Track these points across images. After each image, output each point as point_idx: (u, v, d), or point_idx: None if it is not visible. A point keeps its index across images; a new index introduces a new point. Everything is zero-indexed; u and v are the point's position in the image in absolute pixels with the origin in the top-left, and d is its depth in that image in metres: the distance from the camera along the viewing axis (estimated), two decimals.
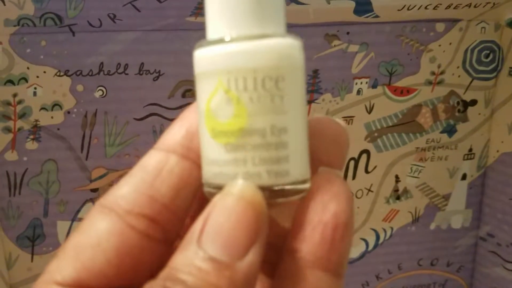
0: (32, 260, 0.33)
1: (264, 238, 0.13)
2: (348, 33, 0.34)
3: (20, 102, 0.31)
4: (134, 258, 0.13)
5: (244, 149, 0.13)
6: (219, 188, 0.13)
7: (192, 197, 0.14)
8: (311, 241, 0.13)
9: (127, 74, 0.31)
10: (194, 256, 0.12)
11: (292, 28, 0.32)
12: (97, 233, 0.13)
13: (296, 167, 0.13)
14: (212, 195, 0.13)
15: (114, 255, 0.13)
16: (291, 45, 0.13)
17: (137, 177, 0.14)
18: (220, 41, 0.13)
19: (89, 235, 0.13)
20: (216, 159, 0.13)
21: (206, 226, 0.12)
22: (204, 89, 0.13)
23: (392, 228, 0.39)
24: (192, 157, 0.14)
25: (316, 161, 0.14)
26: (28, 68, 0.30)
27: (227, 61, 0.13)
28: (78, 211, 0.33)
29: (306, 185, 0.14)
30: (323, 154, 0.14)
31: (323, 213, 0.13)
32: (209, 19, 0.14)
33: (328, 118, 0.15)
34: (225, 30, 0.13)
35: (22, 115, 0.31)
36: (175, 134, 0.14)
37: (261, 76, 0.13)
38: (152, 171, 0.14)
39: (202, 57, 0.14)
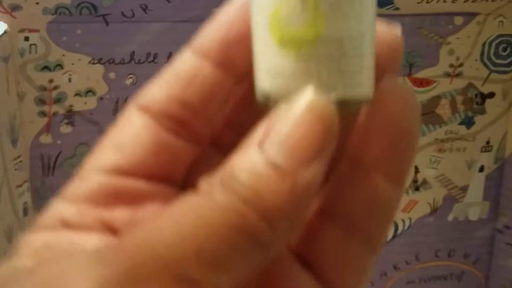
0: None
1: (330, 153, 0.12)
2: None
3: (55, 87, 0.32)
4: (169, 153, 0.14)
5: (319, 59, 0.12)
6: (284, 100, 0.12)
7: (223, 105, 0.14)
8: (373, 147, 0.13)
9: (156, 63, 0.33)
10: (254, 159, 0.12)
11: None
12: (134, 127, 0.13)
13: (368, 78, 0.13)
14: (272, 108, 0.12)
15: (152, 148, 0.13)
16: None
17: (169, 83, 0.14)
18: None
19: (126, 129, 0.13)
20: (283, 69, 0.12)
21: (270, 132, 0.12)
22: None
23: (410, 219, 0.40)
24: (227, 66, 0.14)
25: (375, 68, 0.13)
26: (63, 55, 0.32)
27: None
28: None
29: (372, 95, 0.13)
30: (380, 60, 0.13)
31: (387, 120, 0.13)
32: None
33: (382, 24, 0.14)
34: None
35: (57, 100, 0.32)
36: (212, 39, 0.14)
37: None
38: (184, 79, 0.14)
39: None
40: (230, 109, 0.15)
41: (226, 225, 0.11)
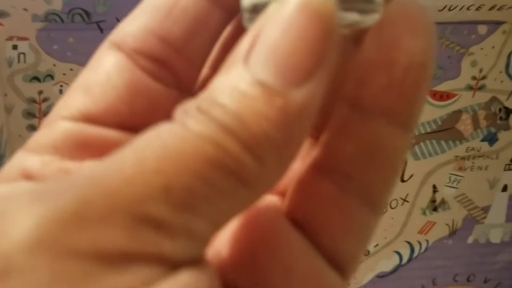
0: None
1: (331, 64, 0.10)
2: None
3: (45, 99, 0.31)
4: (146, 98, 0.12)
5: None
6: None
7: (209, 44, 0.12)
8: (375, 84, 0.11)
9: None
10: (238, 78, 0.10)
11: None
12: (106, 68, 0.12)
13: None
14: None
15: (125, 91, 0.12)
16: None
17: (146, 14, 0.12)
18: None
19: (98, 71, 0.12)
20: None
21: (256, 43, 0.10)
22: None
23: (427, 241, 0.38)
24: None
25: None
26: (54, 65, 0.30)
27: None
28: None
29: (379, 12, 0.10)
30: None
31: (393, 49, 0.11)
32: None
33: None
34: None
35: (47, 113, 0.30)
36: None
37: None
38: (162, 8, 0.12)
39: None
40: (222, 52, 0.13)
41: (200, 158, 0.09)
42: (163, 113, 0.12)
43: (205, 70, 0.13)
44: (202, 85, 0.13)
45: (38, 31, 0.29)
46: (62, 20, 0.29)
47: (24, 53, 0.29)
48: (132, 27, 0.12)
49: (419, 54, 0.10)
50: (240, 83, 0.09)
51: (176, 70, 0.12)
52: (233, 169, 0.09)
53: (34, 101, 0.30)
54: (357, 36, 0.11)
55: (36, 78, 0.30)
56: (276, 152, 0.10)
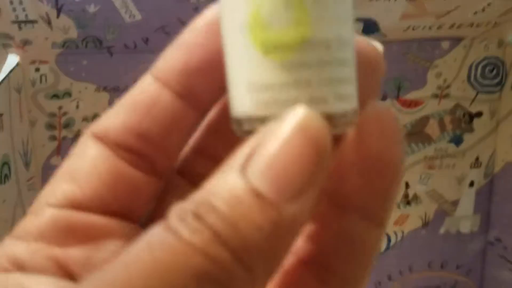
0: None
1: (322, 182, 0.10)
2: None
3: (64, 114, 0.34)
4: (128, 185, 0.12)
5: (308, 66, 0.11)
6: (269, 120, 0.11)
7: (184, 138, 0.13)
8: (350, 183, 0.12)
9: None
10: (235, 185, 0.10)
11: None
12: (91, 157, 0.12)
13: (356, 89, 0.11)
14: (254, 132, 0.11)
15: (109, 178, 0.12)
16: None
17: (126, 111, 0.12)
18: None
19: (83, 159, 0.12)
20: (268, 81, 0.11)
21: (255, 153, 0.10)
22: None
23: (403, 232, 0.42)
24: (188, 97, 0.12)
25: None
26: (71, 84, 0.34)
27: None
28: None
29: (354, 121, 0.11)
30: (362, 74, 0.12)
31: (367, 153, 0.11)
32: None
33: (362, 39, 0.12)
34: None
35: (66, 125, 0.35)
36: (172, 66, 0.13)
37: None
38: (143, 108, 0.12)
39: None
40: (200, 136, 0.14)
41: (190, 273, 0.09)
42: (143, 197, 0.13)
43: (186, 149, 0.14)
44: (182, 167, 0.14)
45: (57, 56, 0.33)
46: (77, 46, 0.33)
47: (45, 75, 0.33)
48: (114, 123, 0.12)
49: (390, 158, 0.11)
50: (236, 190, 0.10)
51: (153, 161, 0.13)
52: (222, 281, 0.09)
53: (54, 115, 0.34)
54: (335, 138, 0.11)
55: (56, 96, 0.34)
56: (265, 262, 0.10)
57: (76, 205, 0.12)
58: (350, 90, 0.11)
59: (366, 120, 0.11)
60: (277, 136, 0.10)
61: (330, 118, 0.11)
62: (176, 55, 0.13)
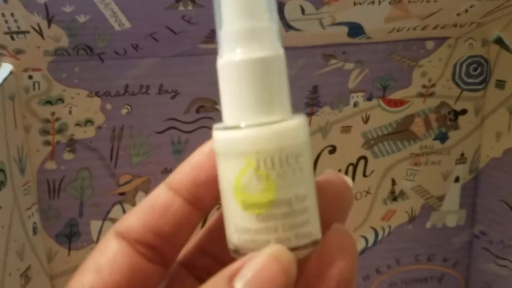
0: (69, 255, 0.38)
1: None
2: (344, 52, 0.38)
3: (57, 119, 0.35)
4: (141, 276, 0.16)
5: (275, 218, 0.15)
6: (251, 251, 0.15)
7: (189, 234, 0.17)
8: None
9: (148, 94, 0.36)
10: None
11: (292, 50, 0.36)
12: (113, 253, 0.16)
13: (315, 227, 0.16)
14: (241, 256, 0.15)
15: (128, 272, 0.16)
16: (303, 124, 0.16)
17: (145, 213, 0.16)
18: (236, 127, 0.15)
19: (107, 255, 0.16)
20: (247, 228, 0.15)
21: (241, 271, 0.14)
22: (231, 167, 0.15)
23: (390, 227, 0.43)
24: (195, 203, 0.16)
25: (323, 216, 0.16)
26: (64, 90, 0.35)
27: (256, 143, 0.15)
28: (109, 212, 0.38)
29: (319, 241, 0.16)
30: (329, 210, 0.16)
31: (330, 268, 0.15)
32: (225, 108, 0.16)
33: (335, 175, 0.17)
34: (242, 116, 0.15)
35: (60, 131, 0.36)
36: (183, 179, 0.16)
37: (285, 154, 0.15)
38: (158, 210, 0.16)
39: (226, 139, 0.15)
40: (203, 238, 0.18)
41: None
42: (153, 285, 0.16)
43: (190, 246, 0.18)
44: (186, 261, 0.18)
45: (49, 63, 0.34)
46: (69, 54, 0.34)
47: (38, 82, 0.34)
48: (135, 223, 0.16)
49: (348, 273, 0.15)
50: None
51: (163, 253, 0.16)
52: None
53: (48, 121, 0.35)
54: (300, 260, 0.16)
55: (49, 102, 0.35)
56: None
57: None
58: (309, 228, 0.15)
59: (329, 240, 0.15)
60: (258, 261, 0.14)
61: (293, 250, 0.15)
62: (186, 171, 0.17)
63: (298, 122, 0.15)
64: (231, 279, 0.14)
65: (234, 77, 0.15)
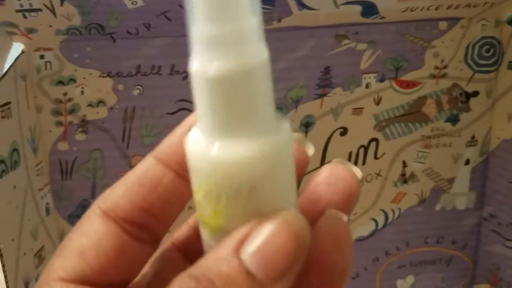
0: None
1: (301, 267, 0.13)
2: (356, 33, 0.37)
3: (69, 100, 0.35)
4: (129, 257, 0.15)
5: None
6: None
7: (180, 210, 0.16)
8: (307, 283, 0.14)
9: (160, 74, 0.36)
10: (228, 262, 0.12)
11: (304, 30, 0.36)
12: (98, 234, 0.14)
13: None
14: None
15: (114, 254, 0.14)
16: (271, 151, 0.13)
17: (133, 189, 0.15)
18: (205, 146, 0.13)
19: (91, 237, 0.14)
20: (204, 238, 0.15)
21: (248, 239, 0.12)
22: (192, 177, 0.14)
23: (400, 209, 0.43)
24: (185, 175, 0.15)
25: (327, 206, 0.15)
26: (76, 70, 0.35)
27: (208, 168, 0.13)
28: None
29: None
30: (335, 203, 0.15)
31: (322, 258, 0.14)
32: (199, 117, 0.14)
33: (344, 168, 0.15)
34: (212, 133, 0.13)
35: (72, 111, 0.36)
36: (173, 149, 0.15)
37: (235, 186, 0.13)
38: (147, 186, 0.15)
39: (189, 151, 0.14)
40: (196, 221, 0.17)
41: None
42: (142, 265, 0.15)
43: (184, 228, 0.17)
44: (179, 242, 0.17)
45: (60, 43, 0.34)
46: (81, 33, 0.33)
47: (50, 62, 0.34)
48: (122, 200, 0.14)
49: (341, 263, 0.14)
50: (230, 267, 0.12)
51: (152, 231, 0.15)
52: None
53: (60, 101, 0.35)
54: None
55: (61, 82, 0.35)
56: None
57: (84, 280, 0.14)
58: None
59: (322, 233, 0.14)
60: (267, 226, 0.13)
61: None
62: (175, 142, 0.15)
63: (263, 149, 0.13)
64: (237, 248, 0.12)
65: (206, 91, 0.13)
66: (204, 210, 0.14)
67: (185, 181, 0.15)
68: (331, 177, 0.15)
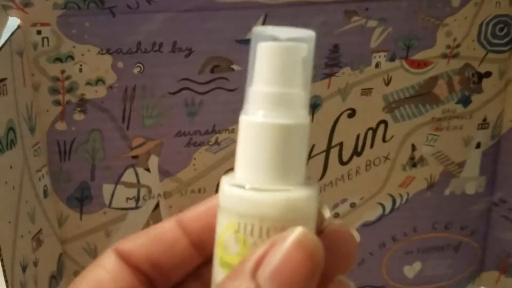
0: (80, 219, 0.37)
1: (316, 284, 0.13)
2: (366, 9, 0.36)
3: (67, 78, 0.34)
4: None
5: None
6: None
7: (185, 274, 0.17)
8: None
9: (161, 52, 0.34)
10: (247, 286, 0.13)
11: (312, 6, 0.34)
12: (116, 271, 0.16)
13: None
14: None
15: None
16: (300, 198, 0.15)
17: (151, 243, 0.17)
18: (241, 186, 0.15)
19: (109, 271, 0.16)
20: (219, 284, 0.15)
21: (263, 262, 0.13)
22: (222, 220, 0.16)
23: (408, 194, 0.42)
24: (200, 247, 0.17)
25: (326, 270, 0.15)
26: (74, 47, 0.33)
27: (242, 205, 0.15)
28: (121, 175, 0.36)
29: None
30: (334, 266, 0.15)
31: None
32: (238, 162, 0.16)
33: (342, 231, 0.16)
34: (248, 176, 0.16)
35: (70, 90, 0.34)
36: (195, 221, 0.17)
37: (266, 225, 0.15)
38: (164, 245, 0.17)
39: (225, 193, 0.16)
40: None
41: None
42: None
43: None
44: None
45: (58, 18, 0.32)
46: (79, 7, 0.32)
47: (47, 37, 0.33)
48: (138, 250, 0.16)
49: (349, 262, 0.15)
50: None
51: (157, 284, 0.17)
52: None
53: (57, 79, 0.34)
54: None
55: (59, 59, 0.33)
56: None
57: None
58: None
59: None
60: (281, 248, 0.13)
61: None
62: (200, 214, 0.17)
63: (294, 194, 0.15)
64: (254, 272, 0.13)
65: (249, 137, 0.16)
66: (228, 250, 0.15)
67: (198, 251, 0.17)
68: (330, 239, 0.16)
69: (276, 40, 0.16)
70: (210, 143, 0.37)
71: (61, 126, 0.35)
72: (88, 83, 0.34)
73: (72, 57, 0.33)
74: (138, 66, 0.34)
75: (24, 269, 0.30)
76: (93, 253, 0.37)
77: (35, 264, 0.32)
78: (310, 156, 0.39)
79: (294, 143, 0.16)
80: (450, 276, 0.45)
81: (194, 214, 0.17)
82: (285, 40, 0.16)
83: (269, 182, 0.15)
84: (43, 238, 0.33)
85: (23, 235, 0.30)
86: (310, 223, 0.15)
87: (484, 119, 0.41)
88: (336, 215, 0.41)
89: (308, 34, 0.16)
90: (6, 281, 0.27)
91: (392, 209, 0.42)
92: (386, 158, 0.40)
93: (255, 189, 0.15)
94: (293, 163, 0.16)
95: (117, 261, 0.16)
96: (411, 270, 0.45)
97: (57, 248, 0.36)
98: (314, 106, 0.38)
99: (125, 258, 0.16)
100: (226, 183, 0.16)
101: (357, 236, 0.16)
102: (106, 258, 0.17)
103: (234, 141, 0.37)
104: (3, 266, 0.26)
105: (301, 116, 0.16)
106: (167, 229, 0.17)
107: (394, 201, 0.42)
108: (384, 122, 0.39)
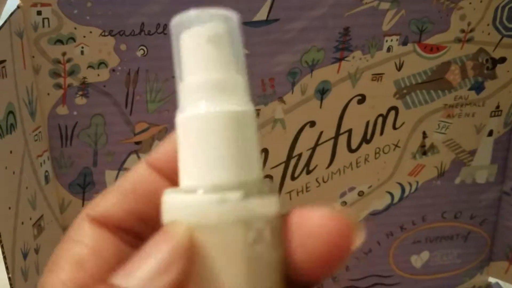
0: (83, 205, 0.36)
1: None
2: None
3: (69, 60, 0.33)
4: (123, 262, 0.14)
5: None
6: None
7: None
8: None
9: (165, 34, 0.33)
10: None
11: None
12: (95, 242, 0.14)
13: None
14: None
15: (114, 262, 0.14)
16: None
17: (126, 197, 0.15)
18: (193, 191, 0.14)
19: (88, 245, 0.14)
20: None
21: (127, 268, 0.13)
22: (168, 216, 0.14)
23: (417, 182, 0.41)
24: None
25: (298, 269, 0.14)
26: (75, 28, 0.32)
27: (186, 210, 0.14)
28: (124, 161, 0.36)
29: None
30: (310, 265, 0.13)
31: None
32: (185, 167, 0.14)
33: (318, 217, 0.13)
34: (202, 178, 0.14)
35: (71, 73, 0.33)
36: (169, 158, 0.14)
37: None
38: (142, 194, 0.15)
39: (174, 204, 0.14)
40: None
41: None
42: None
43: None
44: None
45: None
46: None
47: (48, 18, 0.31)
48: (115, 208, 0.14)
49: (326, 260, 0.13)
50: None
51: (144, 236, 0.14)
52: None
53: (58, 61, 0.33)
54: None
55: (60, 41, 0.32)
56: None
57: None
58: None
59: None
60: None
61: None
62: (168, 151, 0.15)
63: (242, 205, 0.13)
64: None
65: (194, 134, 0.14)
66: None
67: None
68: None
69: (197, 25, 0.14)
70: None
71: (62, 110, 0.34)
72: (90, 66, 0.33)
73: (73, 39, 0.32)
74: (142, 49, 0.33)
75: (25, 256, 0.29)
76: None
77: (36, 251, 0.31)
78: (317, 143, 0.38)
79: (247, 132, 0.14)
80: (459, 266, 0.44)
81: (163, 154, 0.15)
82: (206, 25, 0.14)
83: (227, 179, 0.13)
84: (44, 224, 0.33)
85: (23, 221, 0.29)
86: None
87: (497, 106, 0.40)
88: (344, 204, 0.40)
89: (228, 14, 0.15)
90: (6, 268, 0.26)
91: (401, 198, 0.41)
92: (396, 145, 0.39)
93: (213, 191, 0.13)
94: (250, 155, 0.14)
95: (93, 230, 0.14)
96: (418, 260, 0.44)
97: (59, 235, 0.35)
98: (323, 92, 0.37)
99: (102, 223, 0.14)
100: (173, 193, 0.14)
101: (355, 225, 0.13)
102: (78, 230, 0.14)
103: None
104: (3, 252, 0.26)
105: (246, 102, 0.14)
106: (141, 175, 0.15)
107: (403, 190, 0.41)
108: (395, 108, 0.38)
